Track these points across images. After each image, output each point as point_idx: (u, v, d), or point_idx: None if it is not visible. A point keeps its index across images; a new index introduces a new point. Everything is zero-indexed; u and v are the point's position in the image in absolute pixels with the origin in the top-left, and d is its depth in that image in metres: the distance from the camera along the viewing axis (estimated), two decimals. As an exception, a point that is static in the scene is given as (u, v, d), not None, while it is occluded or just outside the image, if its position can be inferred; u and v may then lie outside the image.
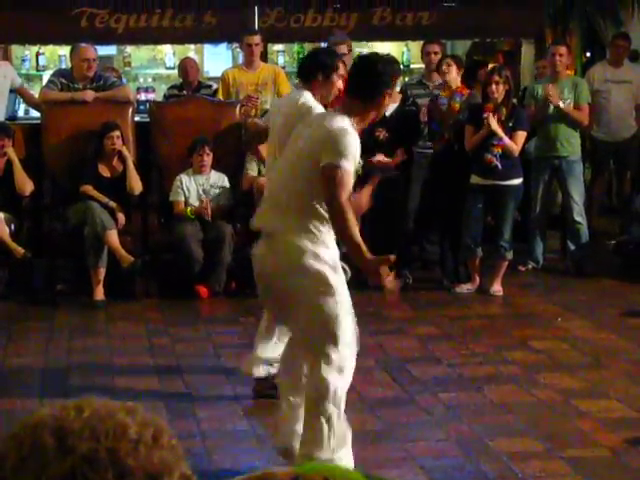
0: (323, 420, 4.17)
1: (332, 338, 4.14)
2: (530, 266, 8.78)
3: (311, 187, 4.17)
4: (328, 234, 4.25)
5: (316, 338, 4.18)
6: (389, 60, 4.54)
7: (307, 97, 5.49)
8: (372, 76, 4.23)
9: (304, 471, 1.31)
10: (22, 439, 1.16)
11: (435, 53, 8.77)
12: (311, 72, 5.60)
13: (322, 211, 4.19)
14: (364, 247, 4.14)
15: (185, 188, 8.12)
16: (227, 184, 8.20)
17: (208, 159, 8.15)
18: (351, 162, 4.07)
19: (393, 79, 4.36)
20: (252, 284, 7.87)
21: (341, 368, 4.17)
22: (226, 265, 7.90)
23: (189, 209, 8.05)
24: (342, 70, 5.77)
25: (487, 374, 6.02)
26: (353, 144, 4.09)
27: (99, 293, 7.76)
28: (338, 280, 4.24)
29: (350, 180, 4.10)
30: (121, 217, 7.94)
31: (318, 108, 5.35)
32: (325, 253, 4.22)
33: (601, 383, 5.83)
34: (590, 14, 11.05)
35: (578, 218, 8.66)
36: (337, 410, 4.19)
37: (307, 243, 4.19)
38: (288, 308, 4.32)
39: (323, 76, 5.56)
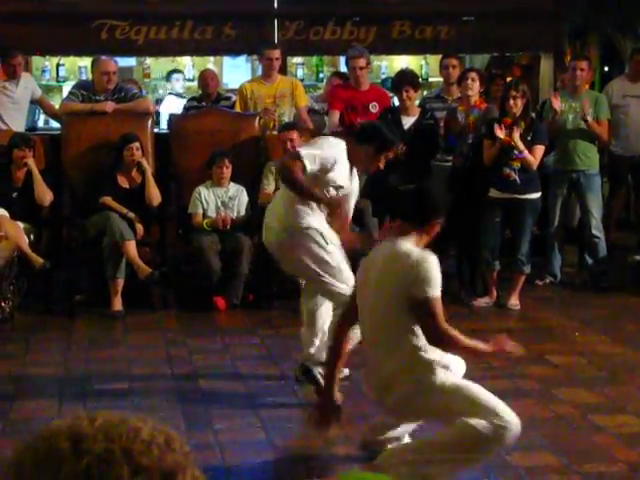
0: None
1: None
2: (548, 280, 8.77)
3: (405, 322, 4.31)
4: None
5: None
6: (442, 193, 4.99)
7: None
8: (428, 206, 4.59)
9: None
10: (38, 447, 1.19)
11: (454, 67, 8.78)
12: (368, 138, 5.64)
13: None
14: (476, 344, 4.34)
15: (204, 200, 8.14)
16: (245, 196, 8.21)
17: (227, 172, 8.17)
18: (438, 288, 4.24)
19: (444, 209, 4.71)
20: (269, 296, 7.98)
21: None
22: (244, 277, 7.93)
23: (205, 221, 8.08)
24: (391, 154, 5.79)
25: (504, 388, 5.98)
26: (435, 269, 4.25)
27: (117, 304, 7.79)
28: None
29: (441, 306, 4.27)
30: (140, 228, 7.97)
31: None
32: None
33: (619, 398, 5.81)
34: (608, 29, 11.04)
35: (596, 232, 8.64)
36: None
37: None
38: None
39: (375, 148, 5.60)
